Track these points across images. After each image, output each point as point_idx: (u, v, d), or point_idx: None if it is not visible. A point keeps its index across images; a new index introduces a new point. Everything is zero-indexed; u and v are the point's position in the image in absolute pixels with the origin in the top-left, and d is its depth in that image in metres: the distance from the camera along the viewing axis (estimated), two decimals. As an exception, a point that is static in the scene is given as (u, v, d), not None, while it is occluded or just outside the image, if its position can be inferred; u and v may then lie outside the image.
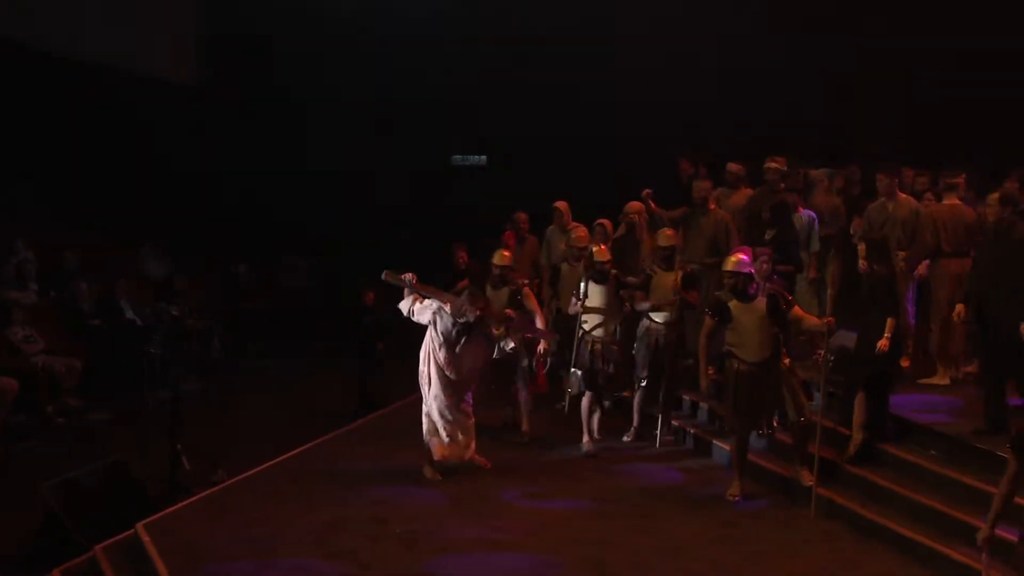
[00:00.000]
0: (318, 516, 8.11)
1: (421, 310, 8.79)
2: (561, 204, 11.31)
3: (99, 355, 12.34)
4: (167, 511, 8.24)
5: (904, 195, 10.02)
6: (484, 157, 16.60)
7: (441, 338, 8.72)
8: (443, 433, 8.86)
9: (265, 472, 9.22)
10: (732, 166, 11.30)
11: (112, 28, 15.23)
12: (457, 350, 8.71)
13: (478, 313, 8.62)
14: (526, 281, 10.16)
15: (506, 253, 10.03)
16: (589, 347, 9.48)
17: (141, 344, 12.24)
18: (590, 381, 9.53)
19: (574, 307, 9.46)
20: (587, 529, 7.86)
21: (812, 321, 8.41)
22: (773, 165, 10.53)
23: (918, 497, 7.82)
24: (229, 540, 7.65)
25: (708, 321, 8.48)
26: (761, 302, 8.27)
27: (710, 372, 8.72)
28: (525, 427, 9.95)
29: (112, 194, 14.69)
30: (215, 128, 15.82)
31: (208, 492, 8.76)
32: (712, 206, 10.53)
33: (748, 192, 11.13)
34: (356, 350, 12.17)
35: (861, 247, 8.71)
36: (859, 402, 8.35)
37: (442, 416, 8.83)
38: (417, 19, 15.54)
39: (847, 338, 8.92)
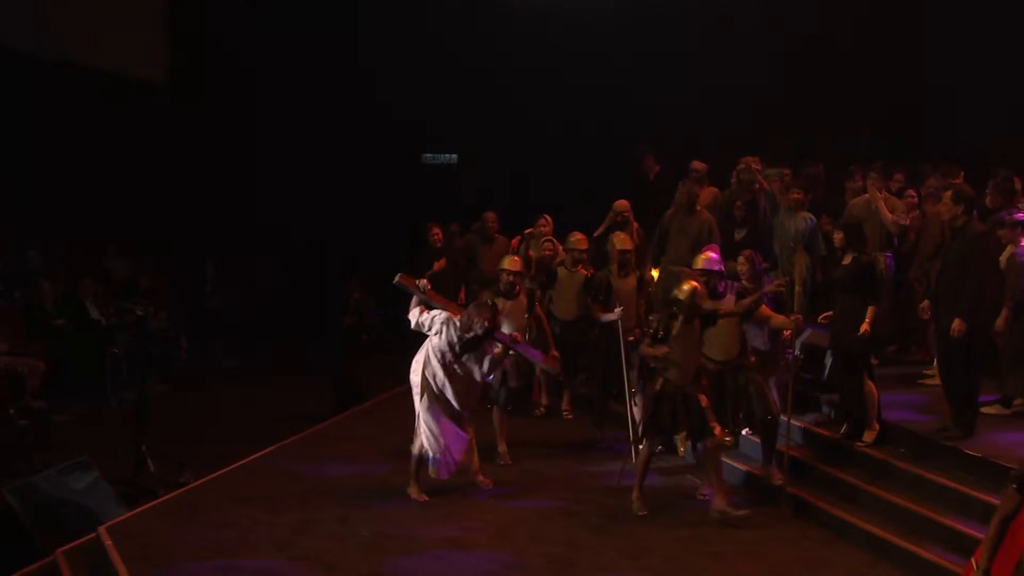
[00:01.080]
0: (284, 518, 8.04)
1: (429, 319, 8.23)
2: (547, 217, 11.11)
3: (62, 356, 12.17)
4: (130, 514, 8.13)
5: (888, 195, 10.02)
6: (455, 156, 16.52)
7: (445, 349, 8.17)
8: (436, 449, 8.25)
9: (231, 474, 9.12)
10: (697, 164, 11.16)
11: (79, 26, 15.05)
12: (458, 366, 8.19)
13: (486, 325, 8.07)
14: (534, 287, 9.80)
15: (516, 259, 9.52)
16: (671, 404, 8.02)
17: (105, 344, 12.10)
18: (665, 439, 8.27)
19: (659, 350, 7.93)
20: (554, 529, 7.82)
21: (780, 319, 8.37)
22: (754, 165, 10.43)
23: (887, 495, 7.81)
24: (193, 543, 7.55)
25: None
26: (729, 300, 8.19)
27: None
28: (503, 447, 9.37)
29: (79, 193, 14.53)
30: (184, 126, 15.67)
31: (173, 494, 8.65)
32: (698, 208, 10.34)
33: (713, 191, 11.11)
34: (340, 343, 12.03)
35: (838, 235, 8.62)
36: (867, 388, 8.31)
37: (433, 431, 8.25)
38: (387, 14, 15.43)
39: (818, 336, 8.91)
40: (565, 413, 10.47)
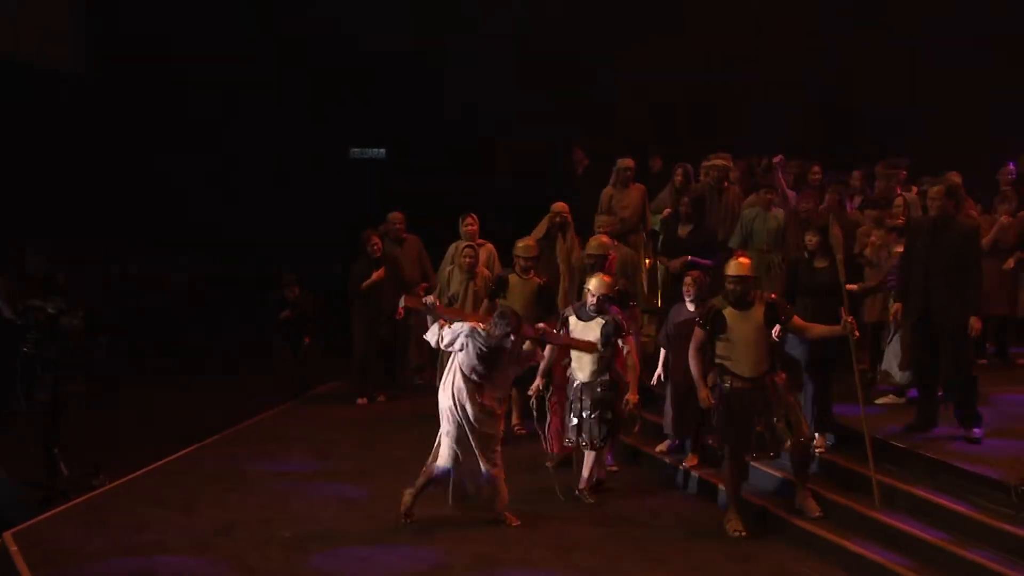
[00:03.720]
0: (203, 520, 7.86)
1: (451, 335, 7.58)
2: (474, 216, 10.43)
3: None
4: (38, 519, 7.85)
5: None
6: (383, 150, 16.28)
7: (474, 363, 7.50)
8: (459, 479, 7.63)
9: (148, 475, 8.89)
10: (625, 161, 10.79)
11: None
12: (486, 380, 7.53)
13: (510, 332, 7.43)
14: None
15: (606, 277, 8.34)
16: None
17: (16, 344, 11.65)
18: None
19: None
20: (480, 528, 7.66)
21: (820, 329, 7.72)
22: (720, 162, 10.12)
23: (816, 489, 7.75)
24: (105, 546, 7.35)
25: (699, 332, 7.67)
26: (759, 311, 7.53)
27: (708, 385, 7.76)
28: (584, 486, 8.32)
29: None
30: (102, 118, 15.24)
31: (84, 497, 8.38)
32: (617, 241, 9.86)
33: (640, 188, 10.89)
34: (282, 343, 11.61)
35: (811, 238, 8.31)
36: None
37: (460, 463, 7.61)
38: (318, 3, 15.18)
39: None
40: (516, 428, 9.69)
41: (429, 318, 7.90)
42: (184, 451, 9.49)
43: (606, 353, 8.04)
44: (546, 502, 8.15)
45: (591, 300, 8.08)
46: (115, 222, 15.23)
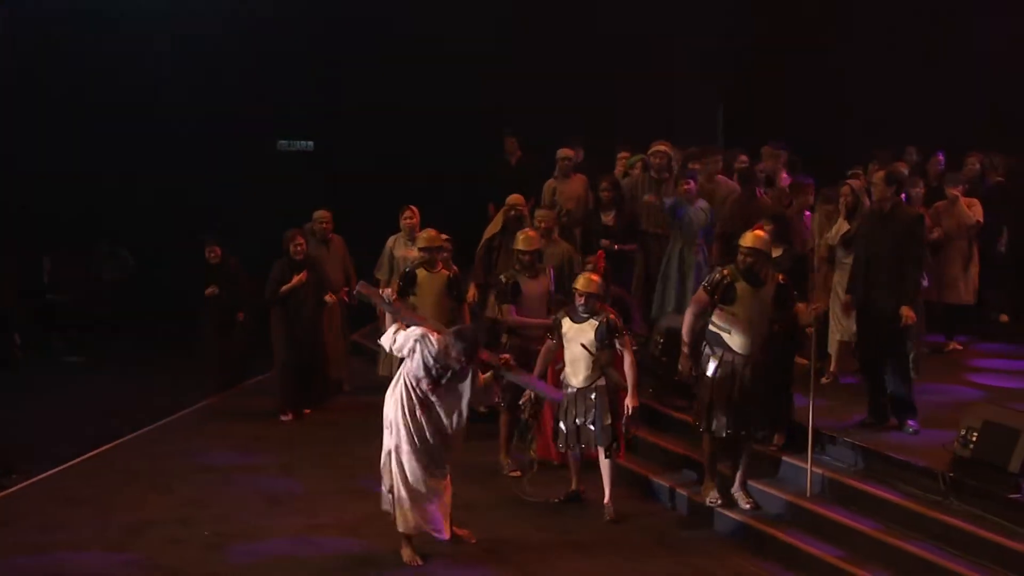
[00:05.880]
0: (118, 519, 7.63)
1: (403, 340, 6.81)
2: (413, 208, 10.09)
3: None
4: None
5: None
6: (311, 143, 15.97)
7: (420, 375, 6.75)
8: (408, 499, 6.84)
9: (61, 474, 8.60)
10: (565, 151, 10.50)
11: None
12: (436, 395, 6.78)
13: (462, 360, 6.71)
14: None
15: (594, 277, 7.70)
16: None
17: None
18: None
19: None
20: (407, 523, 7.49)
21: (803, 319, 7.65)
22: (663, 149, 9.76)
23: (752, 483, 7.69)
24: (14, 547, 7.11)
25: (703, 297, 7.32)
26: (769, 290, 7.27)
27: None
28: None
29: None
30: (14, 112, 14.75)
31: (-8, 498, 8.10)
32: (555, 236, 9.43)
33: (582, 179, 10.66)
34: (211, 319, 10.96)
35: (767, 226, 8.04)
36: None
37: (409, 478, 6.83)
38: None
39: (676, 320, 8.75)
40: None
41: (389, 316, 7.31)
42: (100, 449, 9.19)
43: (601, 356, 7.58)
44: (475, 496, 7.94)
45: (579, 300, 7.59)
46: (31, 218, 14.77)
